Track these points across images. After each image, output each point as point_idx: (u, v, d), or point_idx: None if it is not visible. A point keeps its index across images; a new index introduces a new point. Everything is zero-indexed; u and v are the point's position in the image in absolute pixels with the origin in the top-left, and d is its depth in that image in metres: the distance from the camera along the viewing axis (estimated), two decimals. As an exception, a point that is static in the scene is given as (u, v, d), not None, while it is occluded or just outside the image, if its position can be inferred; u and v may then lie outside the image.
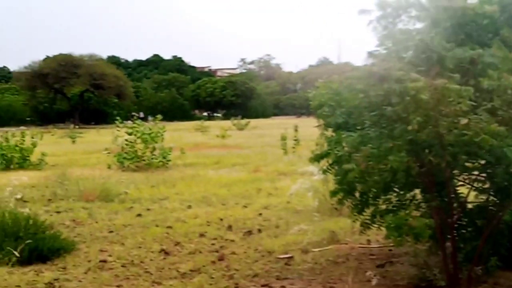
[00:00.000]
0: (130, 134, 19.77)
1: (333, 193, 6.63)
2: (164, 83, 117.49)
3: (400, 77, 4.86)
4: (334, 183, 6.63)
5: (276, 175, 16.55)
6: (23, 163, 20.90)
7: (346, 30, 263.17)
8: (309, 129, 30.55)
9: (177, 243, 8.49)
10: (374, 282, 6.14)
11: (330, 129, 6.81)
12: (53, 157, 23.21)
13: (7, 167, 20.55)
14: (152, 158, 19.75)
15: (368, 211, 6.54)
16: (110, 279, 6.82)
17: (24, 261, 7.26)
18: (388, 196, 6.27)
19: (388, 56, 5.47)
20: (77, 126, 59.88)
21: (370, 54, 5.62)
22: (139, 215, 10.83)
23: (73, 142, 39.82)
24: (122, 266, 7.34)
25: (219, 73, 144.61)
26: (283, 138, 23.27)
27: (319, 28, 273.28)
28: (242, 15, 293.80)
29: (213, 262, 7.44)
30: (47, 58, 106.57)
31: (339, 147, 6.13)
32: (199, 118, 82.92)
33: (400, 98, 4.90)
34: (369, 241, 8.30)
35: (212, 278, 6.77)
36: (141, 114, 33.17)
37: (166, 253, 7.95)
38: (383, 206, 6.31)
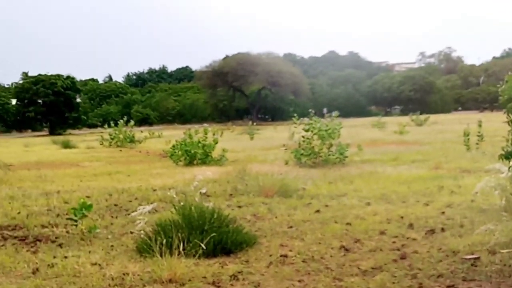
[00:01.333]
0: (307, 130, 19.93)
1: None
2: (340, 79, 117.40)
3: None
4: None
5: (458, 172, 15.83)
6: (205, 159, 21.83)
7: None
8: (494, 124, 29.20)
9: (357, 240, 8.38)
10: None
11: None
12: (232, 153, 24.03)
13: (190, 163, 21.59)
14: (329, 155, 19.74)
15: None
16: (292, 273, 6.87)
17: (209, 254, 7.52)
18: None
19: None
20: (254, 123, 61.39)
21: None
22: (317, 211, 10.84)
23: (251, 138, 40.97)
24: (303, 261, 7.36)
25: (396, 68, 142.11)
26: (466, 134, 22.20)
27: (502, 16, 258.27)
28: (419, 6, 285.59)
29: (395, 260, 7.24)
30: (227, 57, 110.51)
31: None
32: (375, 114, 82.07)
33: None
34: None
35: (394, 276, 6.59)
36: (325, 110, 33.37)
37: (346, 249, 7.87)
38: None
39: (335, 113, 20.89)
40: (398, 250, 7.77)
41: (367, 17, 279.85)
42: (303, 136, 19.89)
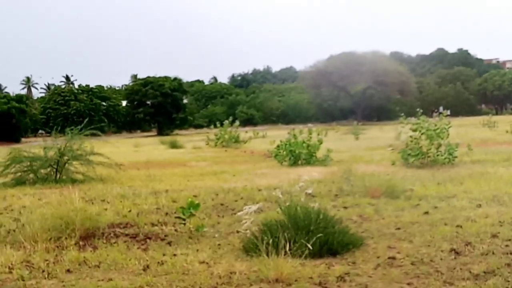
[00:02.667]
0: (414, 130, 19.48)
1: None
2: (449, 77, 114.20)
3: None
4: None
5: None
6: (310, 159, 21.77)
7: None
8: None
9: (468, 243, 8.08)
10: None
11: None
12: (337, 153, 23.84)
13: (295, 163, 21.59)
14: (437, 155, 19.22)
15: None
16: (400, 276, 6.71)
17: (315, 254, 7.46)
18: None
19: None
20: (359, 123, 60.79)
21: None
22: (426, 212, 10.54)
23: (356, 138, 40.57)
24: (412, 264, 7.18)
25: (508, 65, 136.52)
26: None
27: None
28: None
29: (508, 264, 6.94)
30: (331, 57, 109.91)
31: None
32: (486, 113, 79.20)
33: None
34: None
35: (508, 281, 6.31)
36: (441, 109, 32.65)
37: (457, 252, 7.60)
38: None
39: (444, 112, 20.28)
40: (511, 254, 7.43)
41: (476, 13, 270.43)
42: (410, 136, 19.47)
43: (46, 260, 7.71)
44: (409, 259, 7.37)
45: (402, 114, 20.89)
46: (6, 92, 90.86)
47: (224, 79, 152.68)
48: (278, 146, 22.87)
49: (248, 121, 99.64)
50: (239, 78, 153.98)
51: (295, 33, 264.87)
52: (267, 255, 6.91)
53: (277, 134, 39.01)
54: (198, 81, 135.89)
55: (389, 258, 7.44)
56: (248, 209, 8.11)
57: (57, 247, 8.40)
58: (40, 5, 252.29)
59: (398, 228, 9.31)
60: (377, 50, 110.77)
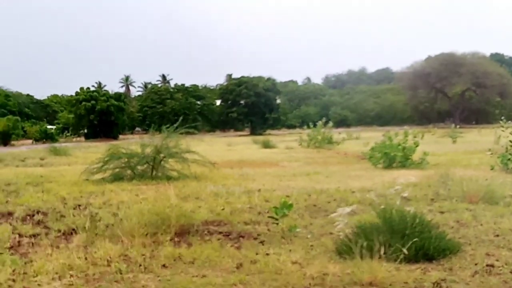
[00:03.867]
0: (515, 134, 18.74)
1: None
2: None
3: None
4: None
5: None
6: (405, 162, 21.34)
7: None
8: None
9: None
10: None
11: None
12: (433, 157, 23.29)
13: (389, 165, 21.23)
14: (539, 160, 18.40)
15: None
16: (499, 284, 6.47)
17: (410, 259, 7.29)
18: None
19: None
20: (457, 126, 59.17)
21: None
22: (528, 220, 10.11)
23: (454, 142, 39.53)
24: (511, 272, 6.90)
25: None
26: None
27: None
28: None
29: None
30: (429, 58, 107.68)
31: None
32: None
33: None
34: None
35: None
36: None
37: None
38: None
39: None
40: None
41: None
42: (510, 141, 18.73)
43: (143, 255, 7.90)
44: (508, 268, 7.09)
45: (502, 117, 20.16)
46: (105, 90, 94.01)
47: (318, 80, 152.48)
48: (372, 148, 22.58)
49: (341, 122, 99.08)
50: (333, 79, 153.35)
51: (391, 34, 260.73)
52: (361, 258, 6.83)
53: (371, 136, 38.57)
54: (292, 81, 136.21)
55: (487, 265, 7.17)
56: (342, 211, 8.03)
57: (153, 242, 8.60)
58: (139, 6, 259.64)
59: (497, 235, 8.97)
60: (477, 51, 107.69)
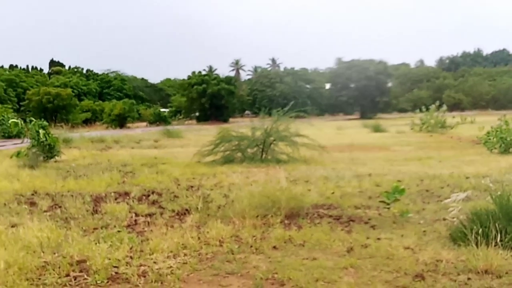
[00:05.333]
0: None
1: None
2: None
3: None
4: None
5: None
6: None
7: None
8: None
9: None
10: None
11: None
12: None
13: (505, 151, 20.43)
14: None
15: None
16: None
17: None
18: None
19: None
20: None
21: None
22: None
23: None
24: None
25: None
26: None
27: None
28: None
29: None
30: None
31: None
32: None
33: None
34: None
35: None
36: None
37: None
38: None
39: None
40: None
41: None
42: None
43: (254, 236, 8.02)
44: None
45: None
46: (216, 74, 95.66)
47: (431, 62, 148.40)
48: (488, 132, 21.79)
49: (455, 106, 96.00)
50: (447, 61, 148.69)
51: (508, 13, 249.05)
52: (476, 245, 6.64)
53: (487, 120, 37.14)
54: (404, 64, 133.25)
55: None
56: (456, 197, 7.84)
57: (264, 224, 8.70)
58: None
59: None
60: None
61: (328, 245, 7.58)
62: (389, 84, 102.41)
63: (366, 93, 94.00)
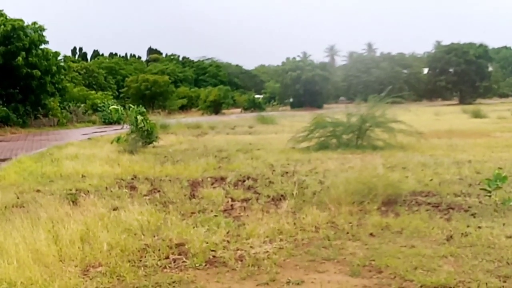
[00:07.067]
0: None
1: None
2: None
3: None
4: None
5: None
6: None
7: None
8: None
9: None
10: None
11: None
12: None
13: None
14: None
15: None
16: None
17: None
18: None
19: None
20: None
21: None
22: None
23: None
24: None
25: None
26: None
27: None
28: None
29: None
30: None
31: None
32: None
33: None
34: None
35: None
36: None
37: None
38: None
39: None
40: None
41: None
42: None
43: (350, 223, 7.96)
44: None
45: None
46: (310, 60, 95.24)
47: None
48: None
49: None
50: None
51: None
52: None
53: None
54: (506, 47, 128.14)
55: None
56: None
57: (360, 210, 8.62)
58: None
59: None
60: None
61: (426, 233, 7.42)
62: (490, 69, 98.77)
63: (465, 78, 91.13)
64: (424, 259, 6.32)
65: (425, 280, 5.63)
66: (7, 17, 38.98)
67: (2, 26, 37.49)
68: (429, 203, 9.37)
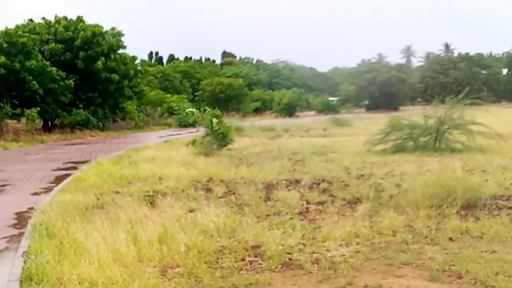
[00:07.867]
0: None
1: None
2: None
3: None
4: None
5: None
6: None
7: None
8: None
9: None
10: None
11: None
12: None
13: None
14: None
15: None
16: None
17: None
18: None
19: None
20: None
21: None
22: None
23: None
24: None
25: None
26: None
27: None
28: None
29: None
30: None
31: None
32: None
33: None
34: None
35: None
36: None
37: None
38: None
39: None
40: None
41: None
42: None
43: (428, 227, 7.82)
44: None
45: None
46: (386, 62, 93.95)
47: None
48: None
49: None
50: None
51: None
52: None
53: None
54: None
55: None
56: None
57: (439, 214, 8.47)
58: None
59: None
60: None
61: (508, 238, 7.23)
62: None
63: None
64: (506, 264, 6.15)
65: (507, 286, 5.49)
66: (87, 23, 40.12)
67: (82, 32, 38.57)
68: (510, 208, 9.10)
